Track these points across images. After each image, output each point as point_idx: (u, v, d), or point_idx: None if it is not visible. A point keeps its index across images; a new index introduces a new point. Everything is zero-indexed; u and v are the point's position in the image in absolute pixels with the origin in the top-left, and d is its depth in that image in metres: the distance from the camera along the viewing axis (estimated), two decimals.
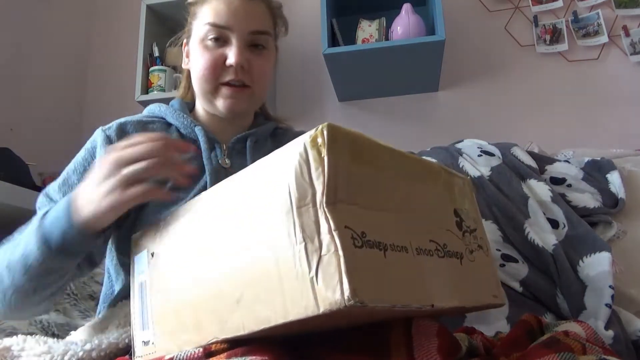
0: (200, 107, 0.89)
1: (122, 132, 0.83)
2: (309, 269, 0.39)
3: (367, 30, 1.60)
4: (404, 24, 1.51)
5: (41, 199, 0.79)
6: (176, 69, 1.72)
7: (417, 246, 0.46)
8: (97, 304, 1.10)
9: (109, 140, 0.80)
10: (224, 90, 0.81)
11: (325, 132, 0.42)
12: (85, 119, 1.99)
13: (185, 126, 0.84)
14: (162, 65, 1.69)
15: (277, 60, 0.94)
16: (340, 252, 0.38)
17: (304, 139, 0.43)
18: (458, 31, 1.75)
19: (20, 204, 1.30)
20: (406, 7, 1.54)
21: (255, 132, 0.88)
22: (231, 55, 0.79)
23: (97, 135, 0.83)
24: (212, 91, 0.81)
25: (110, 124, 0.84)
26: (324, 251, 0.39)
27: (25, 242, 0.63)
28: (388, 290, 0.41)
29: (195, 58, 0.83)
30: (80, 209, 0.60)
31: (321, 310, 0.38)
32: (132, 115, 0.87)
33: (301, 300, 0.39)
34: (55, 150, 1.82)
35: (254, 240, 0.44)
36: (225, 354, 0.45)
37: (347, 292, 0.37)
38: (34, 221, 0.64)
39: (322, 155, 0.41)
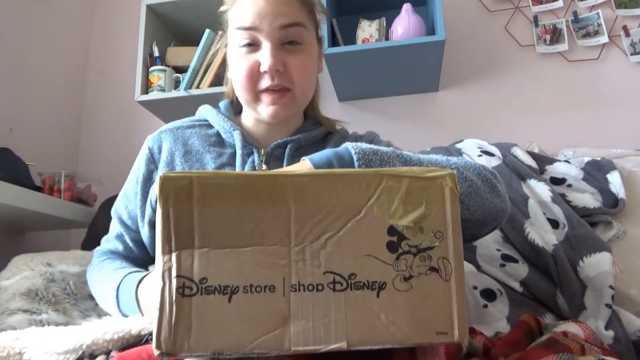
0: (246, 112, 0.89)
1: (160, 142, 0.87)
2: (158, 311, 0.42)
3: (367, 30, 1.60)
4: (404, 24, 1.51)
5: (113, 213, 0.90)
6: (176, 69, 1.72)
7: (298, 282, 0.43)
8: (97, 304, 1.10)
9: (150, 153, 0.87)
10: (265, 98, 0.79)
11: (158, 184, 0.44)
12: (85, 119, 1.99)
13: (225, 130, 0.85)
14: (162, 65, 1.69)
15: (322, 53, 0.90)
16: (159, 305, 0.42)
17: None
18: (458, 31, 1.74)
19: (20, 204, 1.30)
20: (406, 7, 1.54)
21: (298, 138, 0.85)
22: (264, 61, 0.76)
23: (143, 147, 0.89)
24: (254, 99, 0.80)
25: (155, 133, 0.89)
26: (165, 300, 0.42)
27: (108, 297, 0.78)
28: (219, 338, 0.41)
29: (233, 67, 0.81)
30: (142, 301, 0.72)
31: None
32: (183, 119, 0.91)
33: None
34: (55, 150, 1.82)
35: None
36: None
37: (155, 344, 0.41)
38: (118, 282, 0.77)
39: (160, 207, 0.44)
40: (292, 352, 0.42)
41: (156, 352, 0.41)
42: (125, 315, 0.74)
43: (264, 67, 0.76)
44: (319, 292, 0.43)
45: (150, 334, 0.57)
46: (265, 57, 0.76)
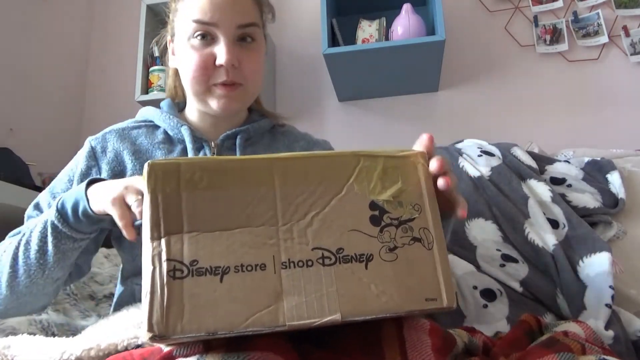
0: (191, 106, 0.88)
1: (104, 142, 0.85)
2: (149, 295, 0.41)
3: (367, 30, 1.60)
4: (404, 24, 1.51)
5: (30, 209, 0.82)
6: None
7: (287, 259, 0.44)
8: (97, 304, 1.10)
9: (92, 151, 0.84)
10: (217, 90, 0.78)
11: (145, 170, 0.45)
12: (85, 119, 1.99)
13: (172, 127, 0.84)
14: (162, 65, 1.69)
15: (268, 51, 0.91)
16: (150, 288, 0.41)
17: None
18: (458, 31, 1.75)
19: (20, 204, 1.30)
20: (406, 7, 1.54)
21: (246, 129, 0.86)
22: (220, 55, 0.76)
23: (84, 145, 0.86)
24: (205, 92, 0.79)
25: (98, 134, 0.86)
26: (156, 283, 0.42)
27: (43, 216, 0.69)
28: (213, 319, 0.41)
29: (183, 58, 0.79)
30: (92, 191, 0.65)
31: (142, 341, 0.41)
32: (126, 121, 0.89)
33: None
34: (55, 150, 1.82)
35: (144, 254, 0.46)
36: (225, 348, 0.45)
37: (147, 327, 0.40)
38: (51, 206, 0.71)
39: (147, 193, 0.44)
40: (288, 327, 0.42)
41: (148, 335, 0.40)
42: (64, 200, 0.67)
43: (220, 61, 0.75)
44: (309, 268, 0.44)
45: (137, 347, 0.57)
46: (221, 52, 0.76)
